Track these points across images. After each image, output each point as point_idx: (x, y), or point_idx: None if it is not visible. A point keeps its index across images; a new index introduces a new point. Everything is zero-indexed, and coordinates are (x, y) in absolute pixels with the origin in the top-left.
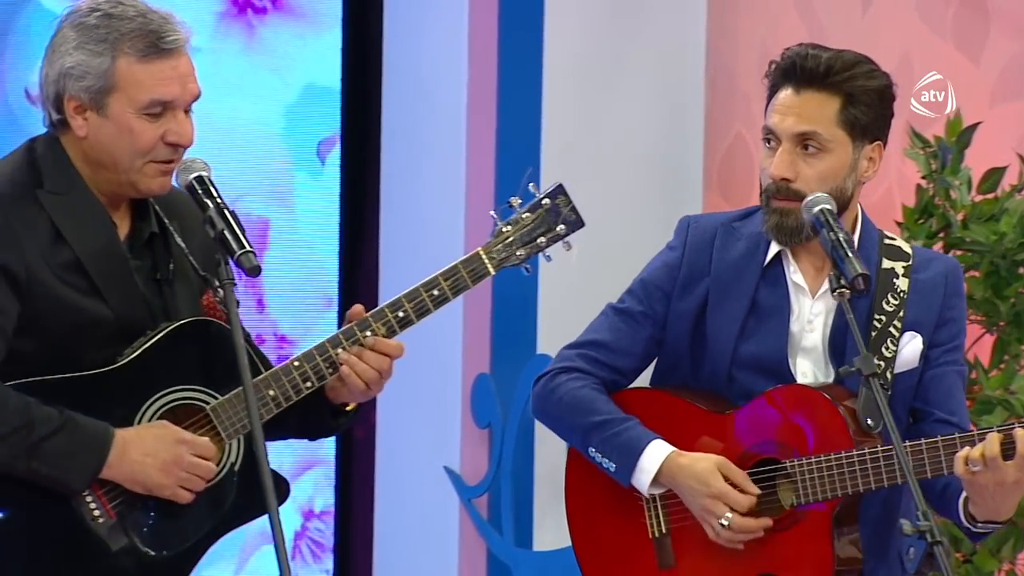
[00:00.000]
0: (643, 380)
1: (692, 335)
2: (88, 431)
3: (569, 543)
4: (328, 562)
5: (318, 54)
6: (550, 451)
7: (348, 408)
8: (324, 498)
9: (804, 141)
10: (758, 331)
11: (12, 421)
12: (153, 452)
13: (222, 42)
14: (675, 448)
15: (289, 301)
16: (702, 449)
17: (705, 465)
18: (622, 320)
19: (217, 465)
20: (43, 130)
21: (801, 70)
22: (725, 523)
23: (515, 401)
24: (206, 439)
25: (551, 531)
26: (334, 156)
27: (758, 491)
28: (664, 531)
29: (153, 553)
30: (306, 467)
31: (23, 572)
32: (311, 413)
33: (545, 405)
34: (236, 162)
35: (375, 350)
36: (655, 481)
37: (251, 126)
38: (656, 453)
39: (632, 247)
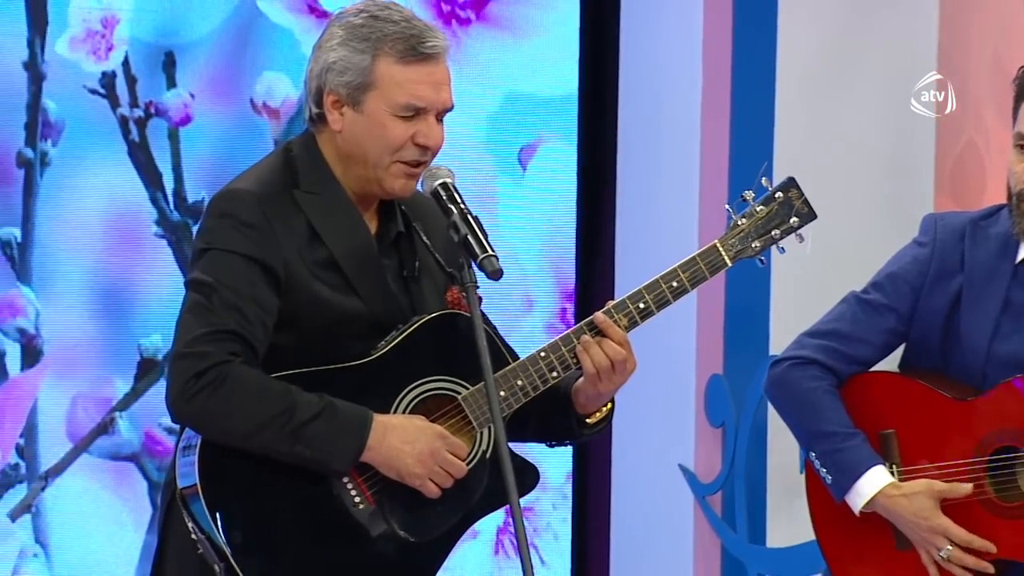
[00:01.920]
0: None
1: (943, 332)
2: (348, 414)
3: (801, 540)
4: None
5: (519, 63)
6: (782, 450)
7: (590, 420)
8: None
9: None
10: (1014, 331)
11: (274, 407)
12: (412, 441)
13: None
14: (892, 480)
15: (491, 303)
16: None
17: (923, 501)
18: (863, 310)
19: (469, 453)
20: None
21: None
22: (944, 555)
23: (748, 401)
24: (460, 442)
25: (784, 528)
26: (535, 163)
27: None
28: None
29: (413, 539)
30: None
31: (286, 557)
32: (554, 418)
33: (778, 394)
34: None
35: (610, 338)
36: (868, 503)
37: (454, 135)
38: (874, 480)
39: (863, 249)
